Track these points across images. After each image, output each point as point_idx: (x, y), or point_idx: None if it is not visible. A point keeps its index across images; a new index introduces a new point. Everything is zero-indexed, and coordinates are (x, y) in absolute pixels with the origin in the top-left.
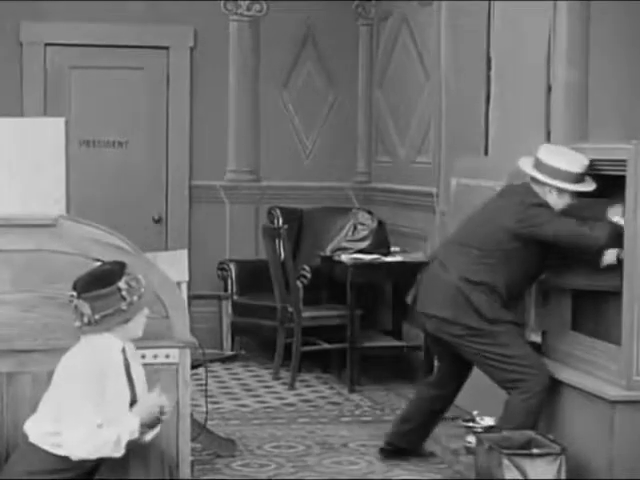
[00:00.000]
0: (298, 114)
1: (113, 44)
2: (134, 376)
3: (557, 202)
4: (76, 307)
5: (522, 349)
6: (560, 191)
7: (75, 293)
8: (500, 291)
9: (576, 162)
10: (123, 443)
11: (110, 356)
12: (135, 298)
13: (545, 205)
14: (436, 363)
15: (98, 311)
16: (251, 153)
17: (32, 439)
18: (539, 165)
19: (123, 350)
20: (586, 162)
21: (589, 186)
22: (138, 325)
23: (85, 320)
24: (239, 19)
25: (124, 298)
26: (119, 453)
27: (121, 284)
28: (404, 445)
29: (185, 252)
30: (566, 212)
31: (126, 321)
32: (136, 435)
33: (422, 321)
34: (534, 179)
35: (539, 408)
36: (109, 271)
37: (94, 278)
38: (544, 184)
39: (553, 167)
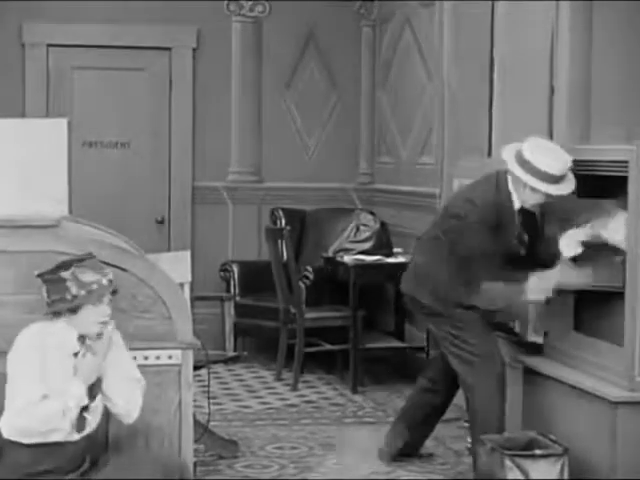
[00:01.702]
0: (301, 115)
1: (115, 45)
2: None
3: (529, 197)
4: (39, 287)
5: (479, 337)
6: (534, 189)
7: (38, 275)
8: (464, 276)
9: (558, 163)
10: (72, 412)
11: (59, 336)
12: (82, 292)
13: (486, 208)
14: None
15: (50, 295)
16: (254, 154)
17: (5, 434)
18: (520, 159)
19: (80, 338)
20: (569, 163)
21: (566, 188)
22: (88, 320)
23: (44, 302)
24: (242, 20)
25: (68, 289)
26: (67, 423)
27: (65, 274)
28: (401, 444)
29: (188, 253)
30: (566, 216)
31: (71, 311)
32: (85, 401)
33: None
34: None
35: (497, 400)
36: (67, 260)
37: (58, 264)
38: (519, 179)
39: (532, 165)
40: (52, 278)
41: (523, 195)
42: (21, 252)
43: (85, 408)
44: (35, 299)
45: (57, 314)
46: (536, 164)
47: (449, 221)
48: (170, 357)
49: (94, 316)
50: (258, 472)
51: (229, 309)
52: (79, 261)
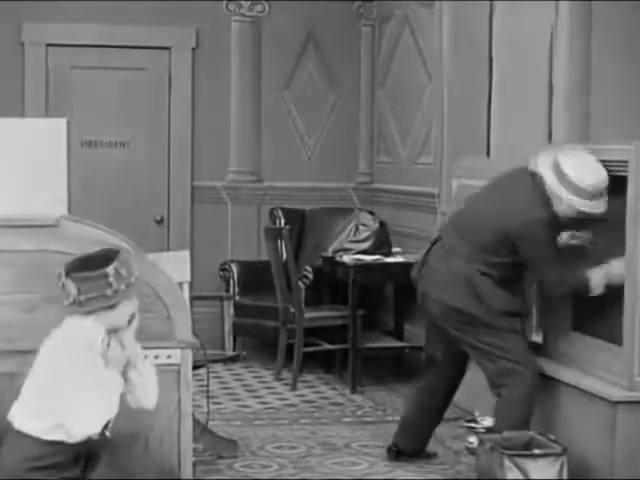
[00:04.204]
0: (300, 115)
1: (115, 45)
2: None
3: (565, 211)
4: (63, 286)
5: (519, 344)
6: (571, 205)
7: (64, 272)
8: (503, 282)
9: (596, 178)
10: (114, 402)
11: (90, 339)
12: (122, 286)
13: (551, 223)
14: (426, 356)
15: (83, 293)
16: (253, 154)
17: (17, 425)
18: (558, 172)
19: (103, 339)
20: (606, 179)
21: (600, 206)
22: (123, 314)
23: (70, 300)
24: (241, 19)
25: (110, 284)
26: (113, 413)
27: (109, 270)
28: (404, 445)
29: (187, 253)
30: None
31: (110, 307)
32: (122, 387)
33: (426, 302)
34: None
35: (528, 408)
36: (100, 255)
37: (85, 260)
38: (559, 195)
39: (572, 181)
40: (93, 275)
41: (559, 207)
42: (20, 251)
43: (106, 425)
44: (34, 298)
45: (91, 312)
46: (576, 181)
47: (510, 246)
48: (169, 356)
49: (128, 309)
50: (257, 472)
51: (228, 309)
52: (116, 254)
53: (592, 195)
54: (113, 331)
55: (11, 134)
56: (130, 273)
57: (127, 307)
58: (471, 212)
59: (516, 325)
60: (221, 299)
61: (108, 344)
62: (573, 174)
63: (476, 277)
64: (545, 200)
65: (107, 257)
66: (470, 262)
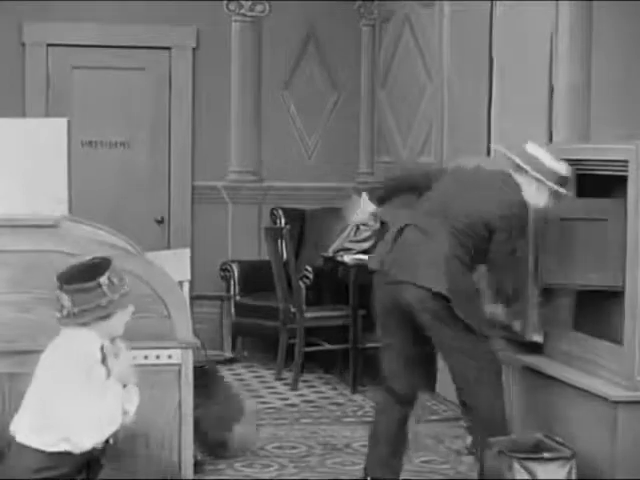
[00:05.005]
0: (300, 114)
1: (115, 44)
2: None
3: (535, 196)
4: (57, 298)
5: (478, 337)
6: (540, 186)
7: (57, 284)
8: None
9: (560, 165)
10: (119, 412)
11: (88, 350)
12: (116, 296)
13: (526, 209)
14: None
15: (78, 304)
16: (253, 153)
17: (19, 438)
18: (525, 157)
19: (102, 348)
20: (568, 170)
21: (565, 190)
22: (119, 323)
23: (64, 312)
24: (241, 19)
25: (105, 294)
26: (118, 424)
27: (102, 280)
28: (382, 475)
29: (187, 251)
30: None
31: (105, 318)
32: (121, 397)
33: (401, 292)
34: (518, 169)
35: (501, 401)
36: (93, 266)
37: (77, 271)
38: (528, 175)
39: (539, 161)
40: (87, 287)
41: (527, 193)
42: (20, 251)
43: None
44: (34, 298)
45: (85, 323)
46: (543, 161)
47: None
48: (170, 357)
49: (123, 319)
50: (258, 471)
51: (229, 308)
52: (108, 263)
53: (560, 179)
54: (111, 341)
55: (11, 134)
56: (123, 282)
57: (122, 317)
58: (449, 201)
59: (485, 325)
60: (221, 299)
61: (105, 356)
62: (542, 158)
63: (455, 261)
64: (516, 186)
65: (99, 267)
66: (451, 246)
